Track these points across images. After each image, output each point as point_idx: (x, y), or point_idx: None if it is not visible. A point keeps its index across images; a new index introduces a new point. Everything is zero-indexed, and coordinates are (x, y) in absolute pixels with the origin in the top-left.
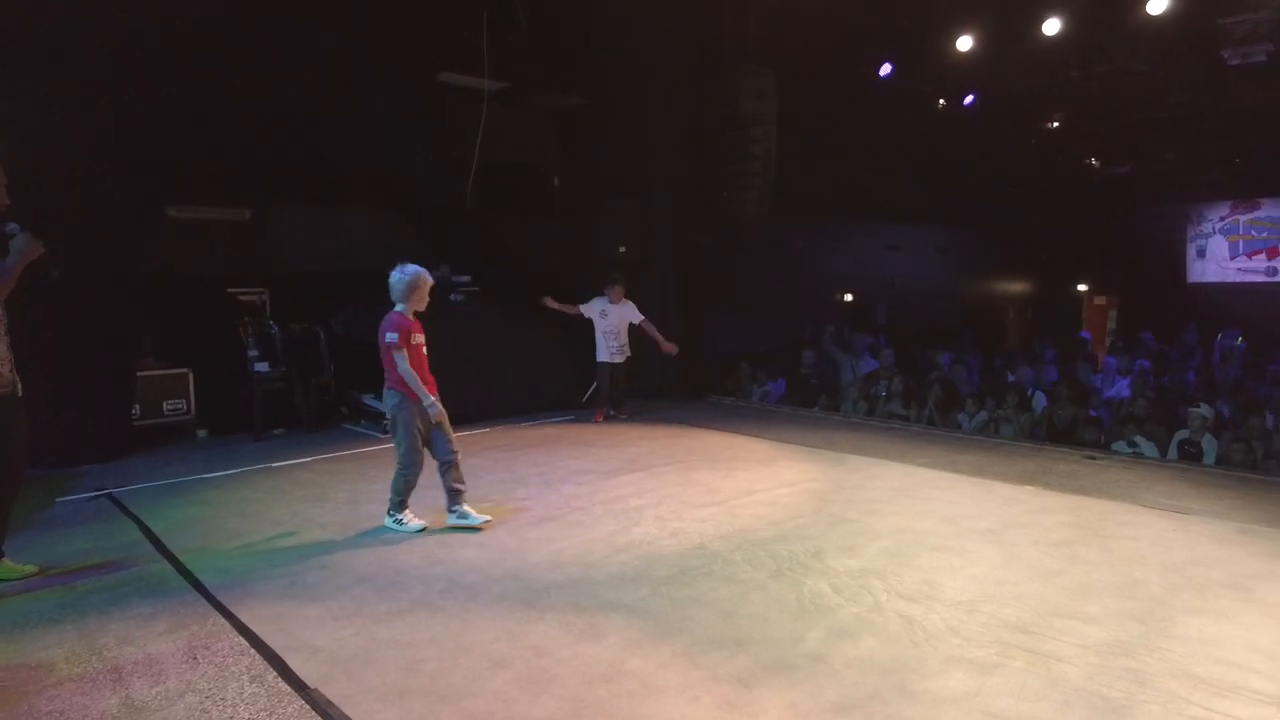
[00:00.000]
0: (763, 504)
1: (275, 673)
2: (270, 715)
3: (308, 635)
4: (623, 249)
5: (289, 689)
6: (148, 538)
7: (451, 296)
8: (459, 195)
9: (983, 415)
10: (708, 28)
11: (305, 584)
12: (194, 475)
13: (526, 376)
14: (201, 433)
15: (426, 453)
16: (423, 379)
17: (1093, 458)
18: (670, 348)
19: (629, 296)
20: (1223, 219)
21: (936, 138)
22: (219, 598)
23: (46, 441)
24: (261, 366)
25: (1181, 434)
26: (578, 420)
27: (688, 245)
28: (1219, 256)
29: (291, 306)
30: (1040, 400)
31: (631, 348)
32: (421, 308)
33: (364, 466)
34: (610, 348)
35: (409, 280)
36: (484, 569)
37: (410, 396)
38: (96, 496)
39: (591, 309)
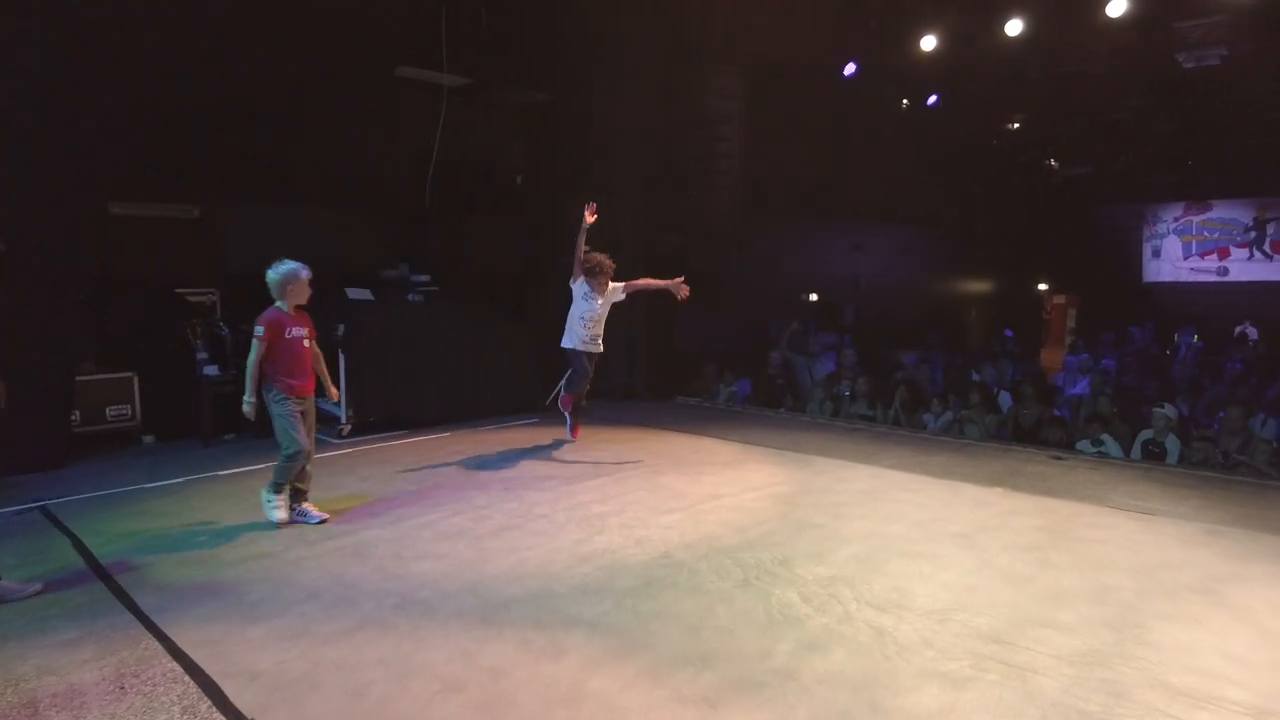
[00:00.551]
0: (729, 509)
1: (210, 702)
2: None
3: (248, 659)
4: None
5: None
6: (81, 554)
7: (409, 296)
8: (419, 193)
9: (948, 415)
10: (675, 25)
11: (250, 602)
12: (136, 485)
13: (489, 379)
14: (147, 439)
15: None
16: (301, 373)
17: (1059, 458)
18: (682, 288)
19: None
20: (1176, 220)
21: (900, 137)
22: (154, 619)
23: None
24: (211, 370)
25: (1145, 434)
26: (542, 423)
27: (655, 243)
28: (1173, 256)
29: (243, 308)
30: (1005, 400)
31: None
32: (301, 301)
33: (318, 474)
34: (590, 335)
35: (280, 277)
36: (439, 583)
37: (278, 387)
38: (28, 510)
39: (578, 287)
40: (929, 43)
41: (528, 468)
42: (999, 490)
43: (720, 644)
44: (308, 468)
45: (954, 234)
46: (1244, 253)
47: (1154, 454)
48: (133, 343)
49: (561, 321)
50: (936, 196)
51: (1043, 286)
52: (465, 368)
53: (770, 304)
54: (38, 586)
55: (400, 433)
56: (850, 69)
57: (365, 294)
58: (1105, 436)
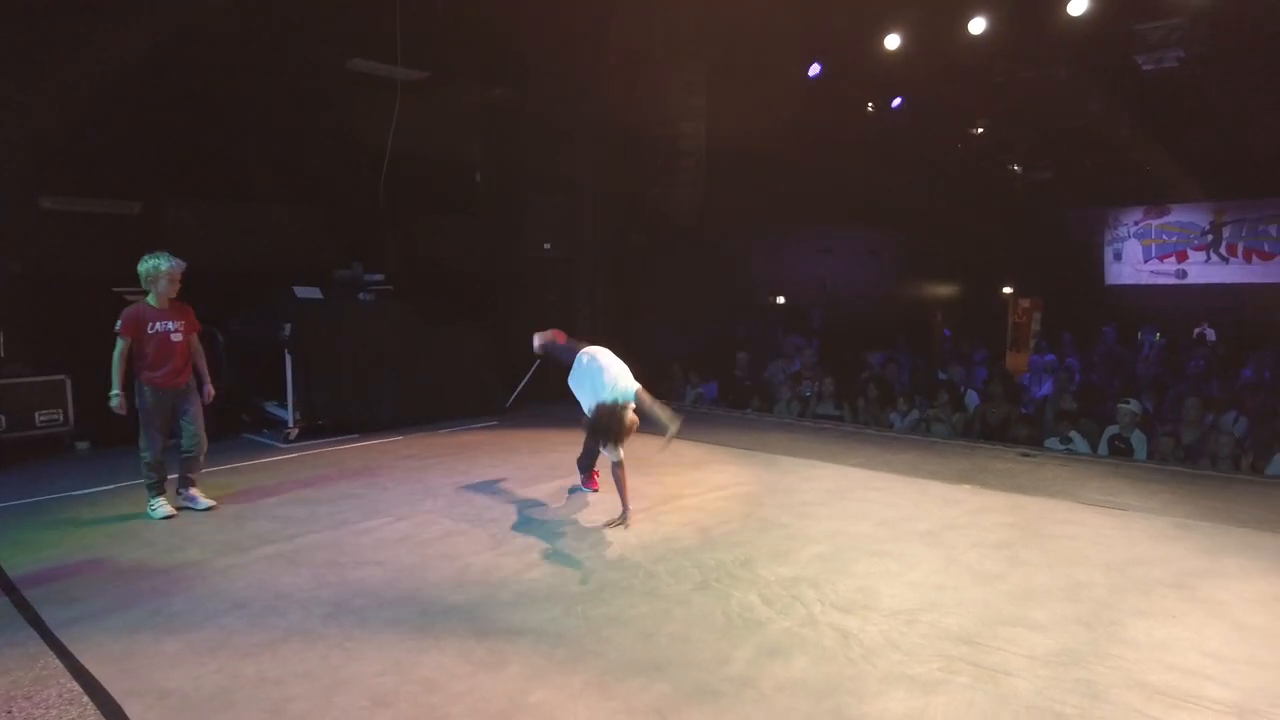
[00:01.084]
0: (690, 510)
1: None
2: None
3: (157, 676)
4: (548, 246)
5: None
6: None
7: (360, 295)
8: (373, 191)
9: (915, 414)
10: (637, 21)
11: (168, 614)
12: (63, 493)
13: (445, 381)
14: (81, 445)
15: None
16: (167, 367)
17: (1027, 454)
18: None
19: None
20: (1136, 223)
21: (866, 140)
22: (58, 635)
23: None
24: None
25: (1111, 429)
26: (501, 427)
27: (617, 244)
28: (1134, 259)
29: None
30: (972, 399)
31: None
32: (172, 294)
33: (260, 478)
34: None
35: (144, 271)
36: (377, 591)
37: (141, 380)
38: None
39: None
40: (893, 41)
41: (482, 471)
42: (967, 487)
43: (675, 651)
44: (201, 457)
45: (919, 238)
46: (1201, 255)
47: (1120, 450)
48: (66, 344)
49: (519, 320)
50: (902, 200)
51: (1007, 290)
52: (421, 369)
53: (737, 306)
54: None
55: (351, 437)
56: (815, 70)
57: (314, 292)
58: (1074, 433)
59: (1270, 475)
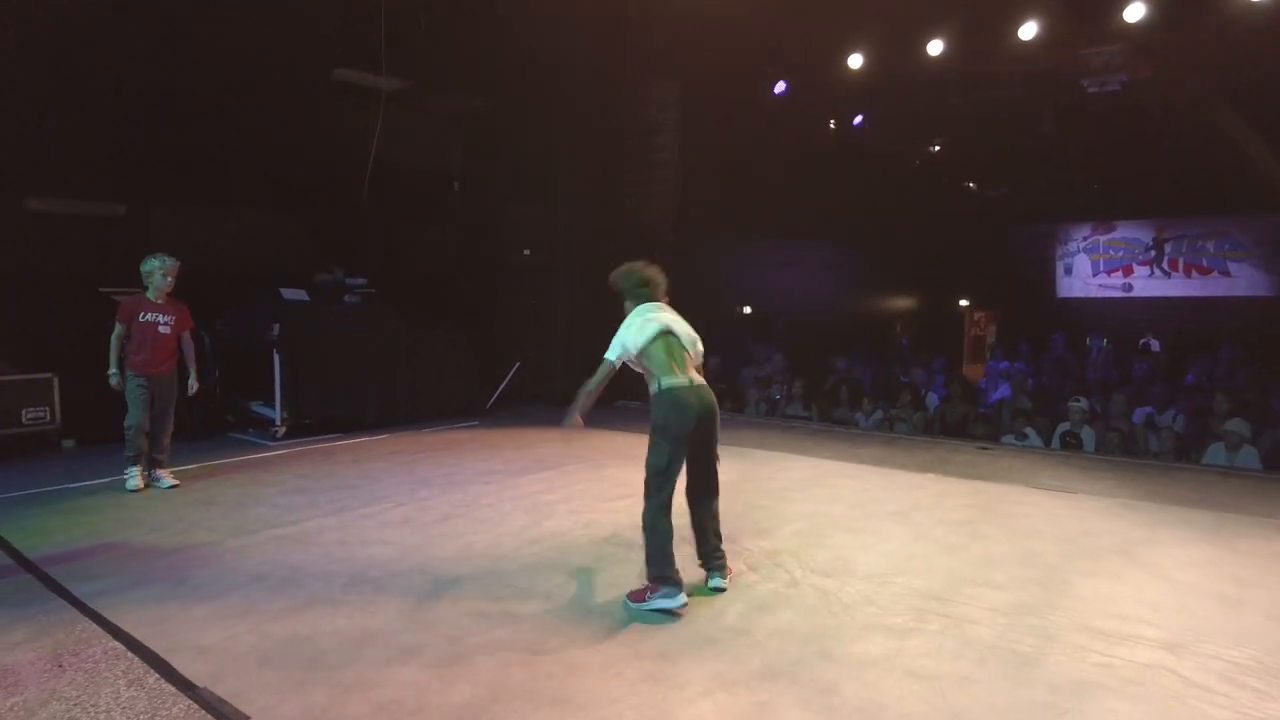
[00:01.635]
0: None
1: (157, 675)
2: (151, 718)
3: (193, 636)
4: (527, 252)
5: (174, 689)
6: (2, 548)
7: (346, 298)
8: (355, 197)
9: (878, 414)
10: (613, 36)
11: (191, 585)
12: (59, 485)
13: (428, 382)
14: (68, 443)
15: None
16: (153, 358)
17: (985, 448)
18: None
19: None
20: (1086, 239)
21: (828, 157)
22: (90, 604)
23: None
24: None
25: (1063, 426)
26: (483, 426)
27: (594, 251)
28: (1083, 273)
29: None
30: (933, 400)
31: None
32: (165, 289)
33: (255, 472)
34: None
35: (144, 270)
36: (388, 565)
37: (128, 364)
38: None
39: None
40: (855, 61)
41: (471, 464)
42: (931, 475)
43: None
44: (165, 440)
45: (880, 252)
46: (1145, 270)
47: (1071, 444)
48: (53, 343)
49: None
50: (862, 215)
51: (964, 302)
52: (404, 371)
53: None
54: None
55: (337, 435)
56: (780, 87)
57: (300, 294)
58: (1029, 430)
59: (1205, 464)
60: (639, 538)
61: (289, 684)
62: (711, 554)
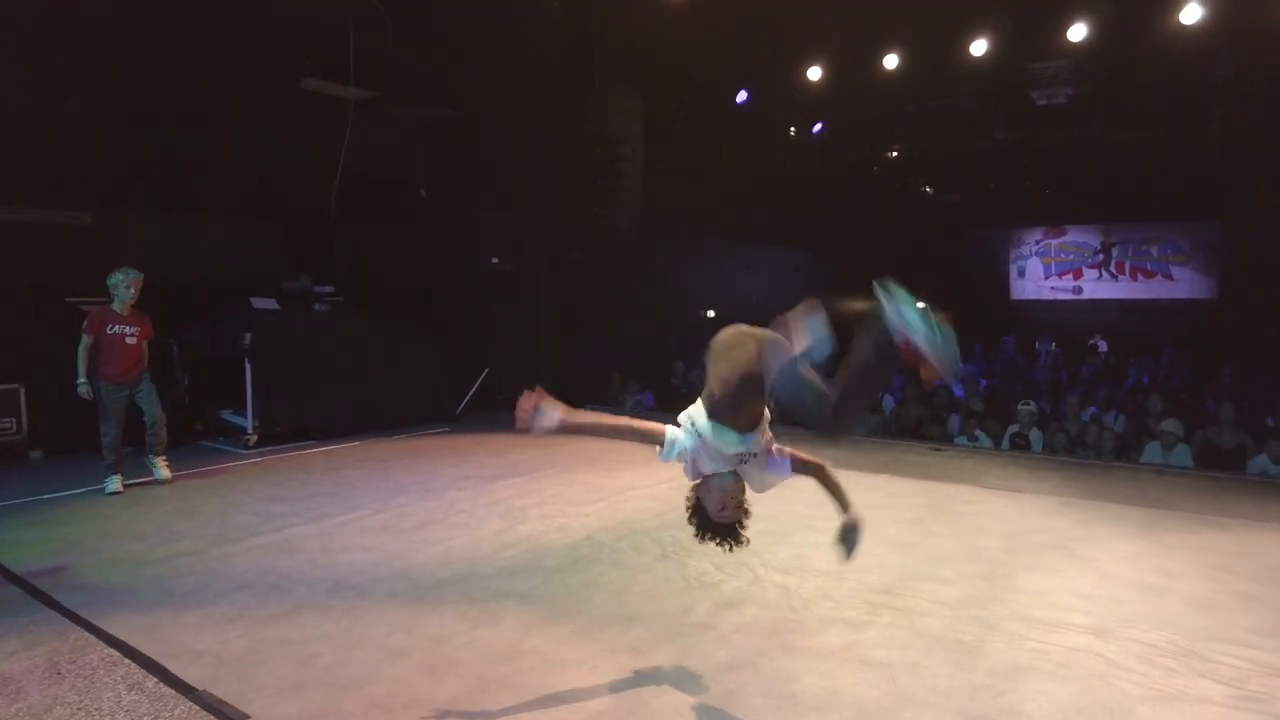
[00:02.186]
0: (645, 498)
1: (156, 679)
2: (155, 719)
3: (186, 641)
4: (495, 260)
5: (174, 692)
6: None
7: (316, 306)
8: (323, 205)
9: None
10: (577, 47)
11: (180, 593)
12: (32, 496)
13: (398, 389)
14: (36, 454)
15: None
16: (123, 367)
17: (938, 449)
18: None
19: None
20: (1037, 243)
21: (788, 163)
22: (80, 613)
23: None
24: None
25: (1012, 428)
26: (454, 432)
27: (560, 259)
28: (1035, 276)
29: None
30: (888, 403)
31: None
32: (130, 301)
33: (232, 480)
34: None
35: (110, 283)
36: (370, 570)
37: (97, 374)
38: None
39: None
40: (815, 73)
41: (445, 470)
42: (885, 475)
43: (644, 606)
44: (161, 432)
45: (838, 255)
46: (1094, 273)
47: (1020, 445)
48: (18, 353)
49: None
50: (822, 220)
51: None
52: (375, 378)
53: (670, 319)
54: None
55: (309, 443)
56: (742, 96)
57: (270, 303)
58: (979, 432)
59: (1142, 463)
60: (609, 539)
61: (286, 685)
62: None
